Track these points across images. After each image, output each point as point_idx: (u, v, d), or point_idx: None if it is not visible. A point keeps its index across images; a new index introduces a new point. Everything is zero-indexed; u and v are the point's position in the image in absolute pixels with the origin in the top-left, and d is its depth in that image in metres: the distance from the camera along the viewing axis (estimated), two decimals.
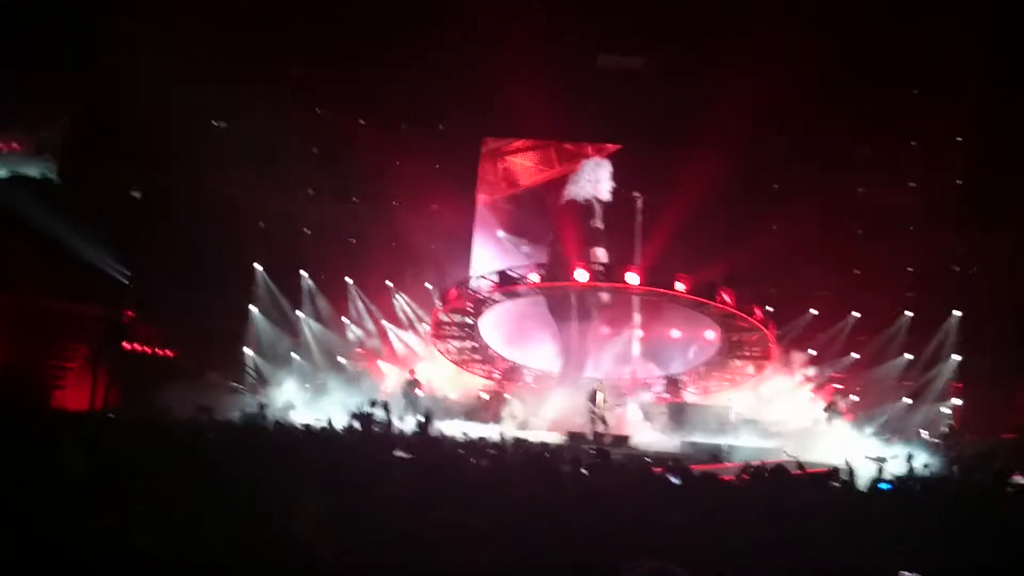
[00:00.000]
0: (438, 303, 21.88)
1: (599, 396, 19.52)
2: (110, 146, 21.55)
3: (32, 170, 22.41)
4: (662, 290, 20.12)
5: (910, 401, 22.09)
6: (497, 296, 20.93)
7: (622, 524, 3.73)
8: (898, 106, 22.75)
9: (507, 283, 20.51)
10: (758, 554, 3.95)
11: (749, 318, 20.40)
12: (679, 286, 19.78)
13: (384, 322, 24.08)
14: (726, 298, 20.09)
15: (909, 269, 23.22)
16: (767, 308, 22.34)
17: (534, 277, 20.54)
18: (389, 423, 7.31)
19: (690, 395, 22.55)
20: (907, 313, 23.01)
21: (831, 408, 19.94)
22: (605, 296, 22.64)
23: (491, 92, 22.83)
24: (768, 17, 20.73)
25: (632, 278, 19.88)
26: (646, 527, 4.25)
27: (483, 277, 21.03)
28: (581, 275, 20.18)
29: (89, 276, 22.10)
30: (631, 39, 23.31)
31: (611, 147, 25.06)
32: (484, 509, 4.38)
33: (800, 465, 8.57)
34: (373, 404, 7.13)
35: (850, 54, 20.61)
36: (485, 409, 20.74)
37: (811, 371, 22.21)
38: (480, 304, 21.28)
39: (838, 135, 23.54)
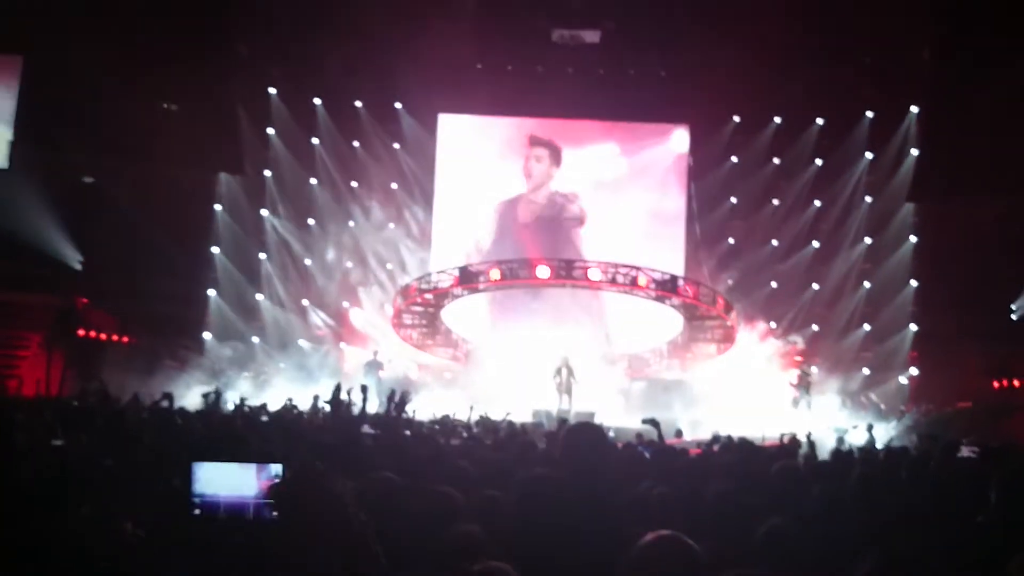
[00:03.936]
0: (399, 299, 21.76)
1: (564, 371, 19.57)
2: (60, 130, 20.98)
3: None
4: (624, 286, 20.47)
5: (868, 372, 22.41)
6: (458, 291, 21.03)
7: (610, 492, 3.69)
8: (853, 80, 23.06)
9: (467, 280, 20.69)
10: (742, 519, 3.93)
11: (712, 308, 20.90)
12: (641, 280, 20.10)
13: (345, 303, 23.86)
14: (688, 290, 20.51)
15: (867, 240, 23.47)
16: (728, 282, 22.70)
17: (495, 274, 20.53)
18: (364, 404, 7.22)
19: (654, 372, 22.68)
20: (865, 284, 23.32)
21: (802, 383, 20.02)
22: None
23: (446, 68, 22.71)
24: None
25: (595, 274, 20.10)
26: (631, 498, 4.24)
27: (443, 272, 20.98)
28: (543, 271, 20.25)
29: (40, 263, 21.60)
30: (587, 12, 23.17)
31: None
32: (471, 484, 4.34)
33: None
34: (340, 390, 6.94)
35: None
36: (449, 388, 20.65)
37: (773, 345, 22.36)
38: (441, 297, 21.34)
39: (793, 109, 23.86)
